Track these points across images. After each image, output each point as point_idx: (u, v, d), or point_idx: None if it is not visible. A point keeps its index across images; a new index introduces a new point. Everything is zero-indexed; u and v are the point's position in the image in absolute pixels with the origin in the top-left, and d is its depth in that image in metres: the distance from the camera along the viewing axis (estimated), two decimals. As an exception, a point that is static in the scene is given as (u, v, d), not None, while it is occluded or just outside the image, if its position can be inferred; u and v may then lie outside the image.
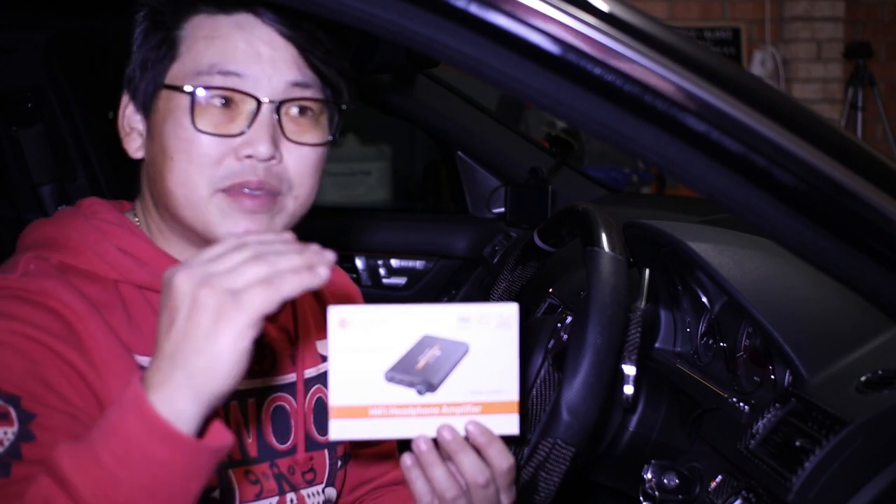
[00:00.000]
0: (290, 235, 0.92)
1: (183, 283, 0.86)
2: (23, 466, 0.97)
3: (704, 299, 1.51)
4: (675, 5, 5.50)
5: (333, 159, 4.17)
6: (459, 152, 2.55)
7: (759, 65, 5.36)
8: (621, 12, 0.91)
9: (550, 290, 1.83)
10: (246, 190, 1.10)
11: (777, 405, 1.21)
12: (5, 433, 0.97)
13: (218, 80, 1.09)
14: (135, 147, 1.18)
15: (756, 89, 0.93)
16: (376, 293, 2.54)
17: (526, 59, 0.89)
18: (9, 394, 0.99)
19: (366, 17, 0.90)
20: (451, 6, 0.88)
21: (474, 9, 0.88)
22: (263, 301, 0.85)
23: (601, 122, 0.91)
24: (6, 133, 2.19)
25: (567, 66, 0.89)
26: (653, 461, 1.37)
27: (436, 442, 1.03)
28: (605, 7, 0.90)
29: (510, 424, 1.02)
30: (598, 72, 0.89)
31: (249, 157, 1.09)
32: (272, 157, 1.10)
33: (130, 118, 1.18)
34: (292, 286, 0.86)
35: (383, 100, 2.51)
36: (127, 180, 1.21)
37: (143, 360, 1.10)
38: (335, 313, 0.97)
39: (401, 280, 2.59)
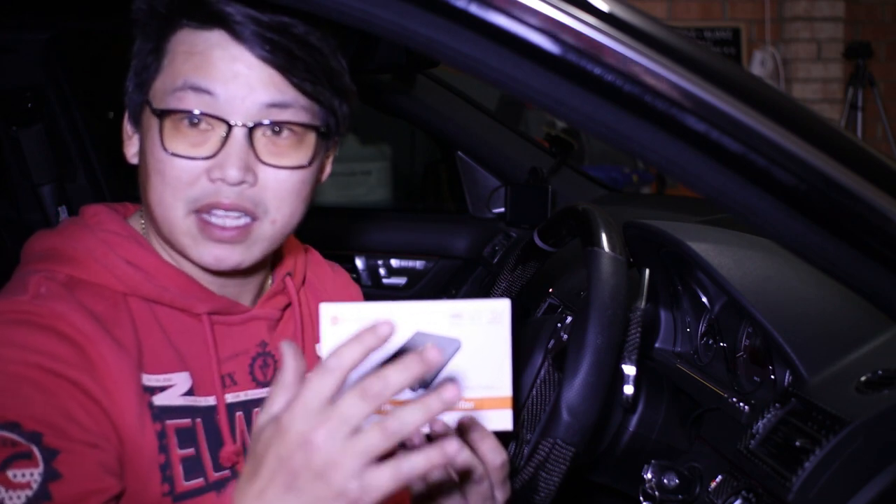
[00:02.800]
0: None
1: (322, 447, 0.82)
2: None
3: (704, 299, 1.51)
4: (675, 5, 5.49)
5: (333, 159, 4.17)
6: (459, 152, 2.55)
7: (759, 65, 5.35)
8: (621, 12, 0.91)
9: (550, 290, 1.83)
10: (219, 211, 1.08)
11: (777, 405, 1.20)
12: (32, 475, 0.96)
13: (190, 97, 1.07)
14: (131, 153, 1.17)
15: (756, 89, 0.93)
16: (376, 293, 2.54)
17: (526, 59, 0.89)
18: (31, 431, 0.98)
19: (366, 17, 0.90)
20: (451, 6, 0.88)
21: (474, 9, 0.87)
22: (389, 488, 0.82)
23: (601, 122, 0.91)
24: (6, 133, 2.19)
25: (567, 66, 0.89)
26: (653, 461, 1.37)
27: (429, 438, 1.03)
28: (605, 7, 0.90)
29: (503, 420, 1.02)
30: (598, 72, 0.89)
31: (220, 179, 1.08)
32: (243, 182, 1.08)
33: (129, 124, 1.17)
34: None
35: (383, 100, 2.51)
36: (127, 180, 1.21)
37: (146, 377, 1.09)
38: (327, 311, 0.97)
39: (401, 280, 2.59)
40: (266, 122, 1.09)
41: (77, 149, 2.31)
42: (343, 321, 0.98)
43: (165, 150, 1.07)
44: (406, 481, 0.82)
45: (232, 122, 1.07)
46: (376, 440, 0.81)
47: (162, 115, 1.08)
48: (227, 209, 1.08)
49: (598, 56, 0.88)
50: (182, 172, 1.08)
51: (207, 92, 1.07)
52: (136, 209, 1.22)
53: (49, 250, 1.14)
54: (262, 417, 0.87)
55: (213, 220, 1.09)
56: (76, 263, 1.12)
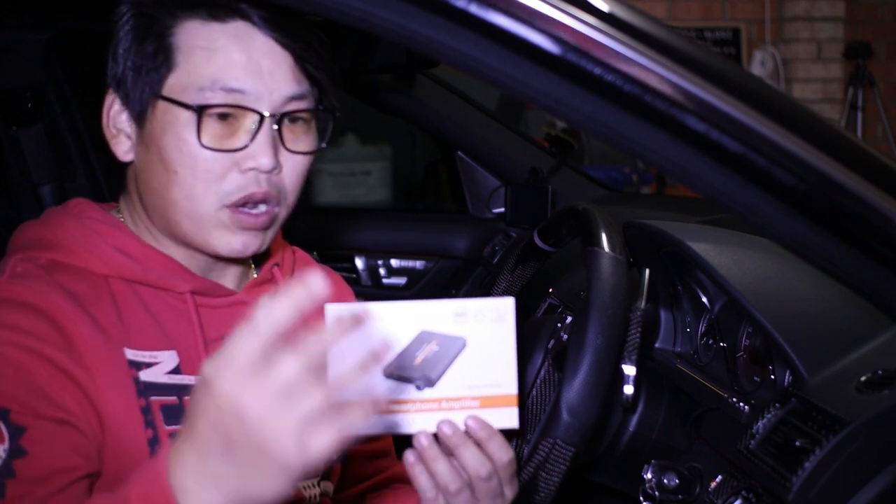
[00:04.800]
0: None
1: (253, 411, 0.76)
2: (18, 485, 0.97)
3: (704, 299, 1.51)
4: (675, 5, 5.49)
5: (333, 159, 4.17)
6: (459, 152, 2.55)
7: (759, 65, 5.35)
8: (621, 12, 0.91)
9: (550, 290, 1.83)
10: (251, 204, 1.11)
11: (777, 405, 1.20)
12: None
13: (220, 97, 1.09)
14: (123, 150, 1.17)
15: (756, 89, 0.93)
16: (376, 293, 2.54)
17: (526, 59, 0.89)
18: None
19: (366, 17, 0.90)
20: (451, 6, 0.88)
21: (474, 9, 0.88)
22: (330, 450, 0.78)
23: (601, 122, 0.91)
24: (6, 133, 2.19)
25: (567, 66, 0.89)
26: (653, 461, 1.37)
27: (437, 436, 1.03)
28: (605, 7, 0.90)
29: (510, 418, 1.03)
30: (598, 72, 0.89)
31: (252, 169, 1.10)
32: (274, 168, 1.11)
33: (116, 119, 1.16)
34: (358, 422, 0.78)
35: (383, 100, 2.51)
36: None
37: (131, 353, 1.10)
38: (332, 311, 0.97)
39: (401, 280, 2.59)
40: (291, 110, 1.12)
41: (77, 149, 2.31)
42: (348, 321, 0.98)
43: (201, 143, 1.08)
44: (349, 436, 0.77)
45: (264, 113, 1.10)
46: (312, 399, 0.76)
47: (201, 110, 1.08)
48: (259, 199, 1.11)
49: (599, 56, 0.88)
50: (214, 165, 1.09)
51: (238, 91, 1.09)
52: (116, 205, 1.23)
53: (33, 239, 1.16)
54: (203, 370, 0.80)
55: (246, 209, 1.12)
56: (59, 248, 1.13)
